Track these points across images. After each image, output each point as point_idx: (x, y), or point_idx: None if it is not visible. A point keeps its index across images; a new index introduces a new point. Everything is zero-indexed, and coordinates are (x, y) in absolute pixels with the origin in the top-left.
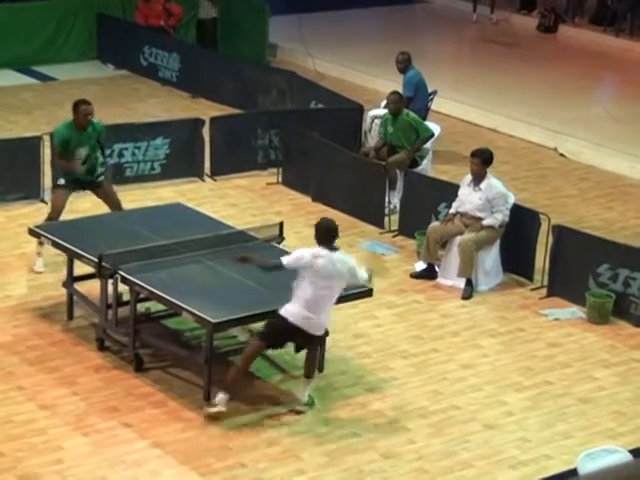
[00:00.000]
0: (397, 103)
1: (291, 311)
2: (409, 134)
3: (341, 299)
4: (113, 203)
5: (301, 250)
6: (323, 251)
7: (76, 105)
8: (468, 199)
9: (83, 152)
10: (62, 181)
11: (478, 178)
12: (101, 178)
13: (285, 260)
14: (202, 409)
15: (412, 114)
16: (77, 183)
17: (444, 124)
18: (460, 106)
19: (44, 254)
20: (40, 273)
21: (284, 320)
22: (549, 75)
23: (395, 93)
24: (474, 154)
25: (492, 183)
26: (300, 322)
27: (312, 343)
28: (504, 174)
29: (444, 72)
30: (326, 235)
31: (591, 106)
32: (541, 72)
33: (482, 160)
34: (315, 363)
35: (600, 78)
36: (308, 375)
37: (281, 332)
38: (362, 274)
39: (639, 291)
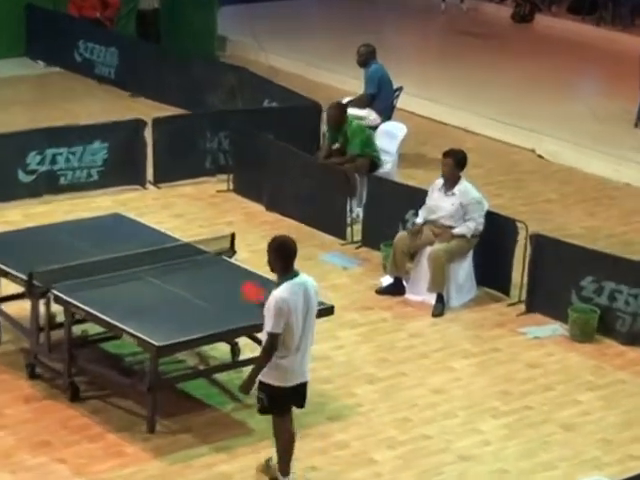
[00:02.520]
0: (335, 118)
1: (280, 371)
2: (361, 138)
3: None
4: None
5: (272, 304)
6: (289, 283)
7: None
8: (439, 205)
9: None
10: None
11: (450, 182)
12: None
13: (269, 328)
14: (145, 442)
15: (355, 122)
16: None
17: (410, 123)
18: (428, 104)
19: None
20: None
21: (276, 388)
22: (525, 68)
23: (332, 107)
24: (447, 154)
25: (467, 187)
26: (295, 378)
27: (302, 398)
28: (476, 178)
29: (410, 67)
30: (288, 258)
31: (572, 102)
32: (516, 65)
33: (455, 162)
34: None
35: (580, 72)
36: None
37: (282, 399)
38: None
39: (626, 305)
